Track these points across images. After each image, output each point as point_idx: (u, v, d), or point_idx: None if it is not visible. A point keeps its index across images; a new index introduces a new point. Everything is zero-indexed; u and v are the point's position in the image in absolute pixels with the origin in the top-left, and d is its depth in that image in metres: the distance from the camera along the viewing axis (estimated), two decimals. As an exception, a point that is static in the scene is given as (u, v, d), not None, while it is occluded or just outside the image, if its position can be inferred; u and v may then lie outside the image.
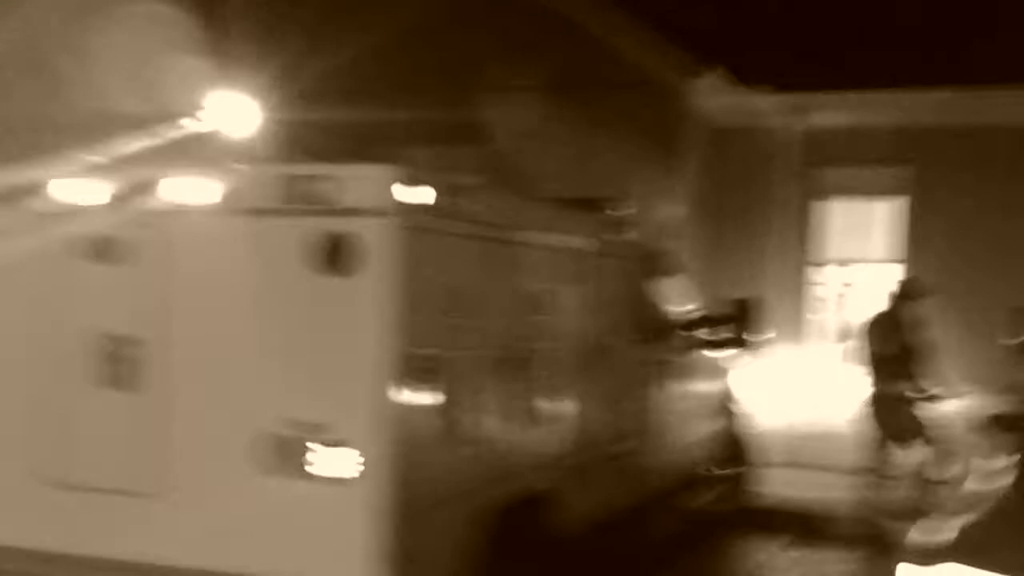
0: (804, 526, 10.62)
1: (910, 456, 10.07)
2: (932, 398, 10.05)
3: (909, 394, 10.00)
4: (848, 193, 13.65)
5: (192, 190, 5.35)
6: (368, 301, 5.02)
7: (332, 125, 13.33)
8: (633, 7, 12.91)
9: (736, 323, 9.46)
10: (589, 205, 7.85)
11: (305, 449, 5.10)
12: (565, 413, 6.81)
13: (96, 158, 6.34)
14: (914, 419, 9.99)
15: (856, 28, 13.33)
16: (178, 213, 5.36)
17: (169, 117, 13.18)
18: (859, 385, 10.37)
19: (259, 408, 5.20)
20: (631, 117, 12.89)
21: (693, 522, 9.86)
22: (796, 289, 13.74)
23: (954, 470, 9.78)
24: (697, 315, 9.50)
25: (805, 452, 13.58)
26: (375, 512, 5.01)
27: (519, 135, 13.27)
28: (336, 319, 5.09)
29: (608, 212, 7.73)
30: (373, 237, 4.99)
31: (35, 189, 5.65)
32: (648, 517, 8.36)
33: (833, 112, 13.37)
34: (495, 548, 5.84)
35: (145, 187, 5.45)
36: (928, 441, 9.99)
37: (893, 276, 12.43)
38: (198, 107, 13.55)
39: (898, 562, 4.72)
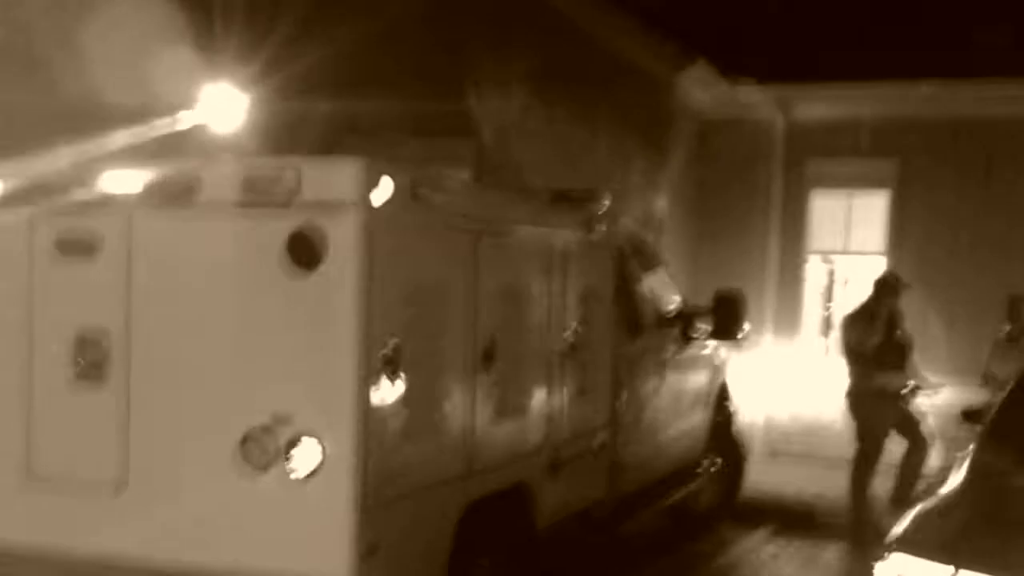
0: (789, 518, 10.67)
1: (892, 449, 10.11)
2: (913, 391, 10.09)
3: (890, 387, 10.03)
4: (832, 185, 13.68)
5: (159, 185, 5.35)
6: (332, 295, 5.01)
7: (321, 117, 13.35)
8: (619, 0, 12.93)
9: (716, 316, 9.44)
10: (565, 198, 7.87)
11: (272, 443, 5.09)
12: (538, 407, 6.79)
13: (73, 152, 6.31)
14: (896, 412, 10.03)
15: (840, 21, 13.35)
16: (145, 208, 5.35)
17: (158, 109, 13.18)
18: (842, 377, 10.42)
19: (227, 402, 5.20)
20: (617, 109, 12.89)
21: (678, 515, 9.91)
22: (780, 281, 13.77)
23: (932, 463, 9.83)
24: (677, 308, 9.50)
25: (791, 444, 13.64)
26: (341, 505, 5.00)
27: (506, 127, 13.28)
28: (301, 314, 5.08)
29: (584, 205, 7.71)
30: (336, 231, 4.97)
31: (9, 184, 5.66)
32: (630, 511, 8.36)
33: (817, 105, 13.42)
34: (466, 541, 5.84)
35: (114, 182, 5.46)
36: (909, 434, 10.03)
37: (876, 268, 12.48)
38: (187, 99, 13.55)
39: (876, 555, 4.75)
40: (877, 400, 10.01)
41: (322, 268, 5.00)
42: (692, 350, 9.61)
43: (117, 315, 5.35)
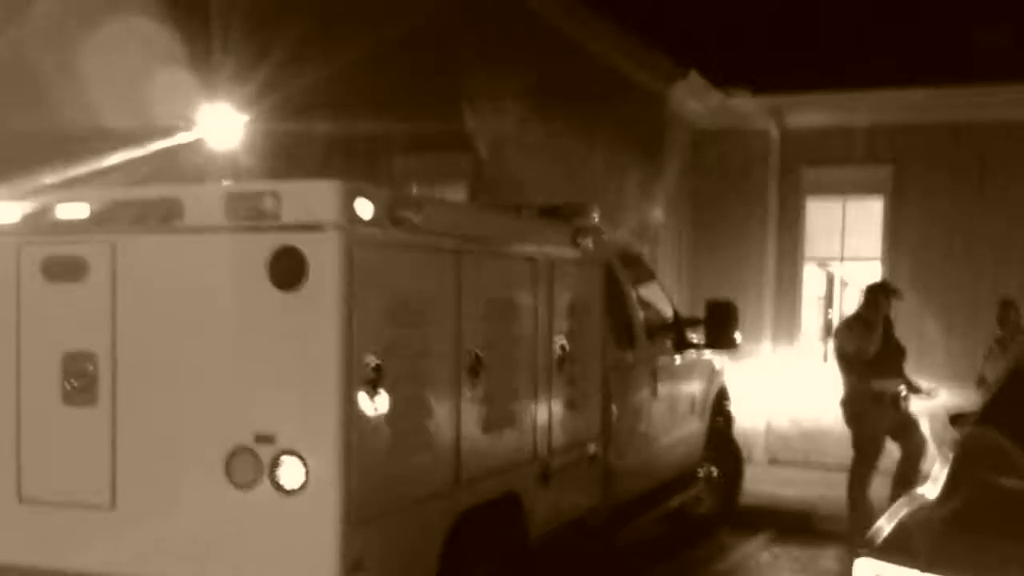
0: (787, 523, 10.73)
1: (887, 453, 10.17)
2: (907, 396, 10.15)
3: (887, 393, 10.09)
4: (827, 193, 13.73)
5: (143, 207, 5.46)
6: (313, 314, 5.12)
7: (318, 135, 13.48)
8: (612, 12, 13.02)
9: (709, 326, 9.53)
10: (553, 213, 7.97)
11: (257, 461, 5.19)
12: (527, 419, 6.88)
13: (57, 177, 6.44)
14: (892, 417, 10.09)
15: (831, 29, 13.42)
16: (129, 232, 5.46)
17: (156, 131, 13.33)
18: (838, 384, 10.48)
19: (212, 422, 5.30)
20: (612, 122, 12.98)
21: (676, 522, 9.98)
22: (778, 288, 13.82)
23: (926, 467, 9.88)
24: (669, 319, 9.59)
25: (790, 450, 13.70)
26: (325, 521, 5.09)
27: (502, 142, 13.40)
28: (283, 332, 5.18)
29: (571, 220, 7.81)
30: (316, 251, 5.08)
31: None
32: (625, 519, 8.44)
33: (810, 113, 13.46)
34: (457, 552, 5.93)
35: (98, 205, 5.57)
36: (905, 438, 10.08)
37: (873, 274, 12.54)
38: (185, 120, 13.69)
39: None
40: (874, 406, 10.07)
41: (303, 289, 5.10)
42: (685, 360, 9.70)
43: (103, 338, 5.46)
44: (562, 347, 7.32)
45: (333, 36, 13.26)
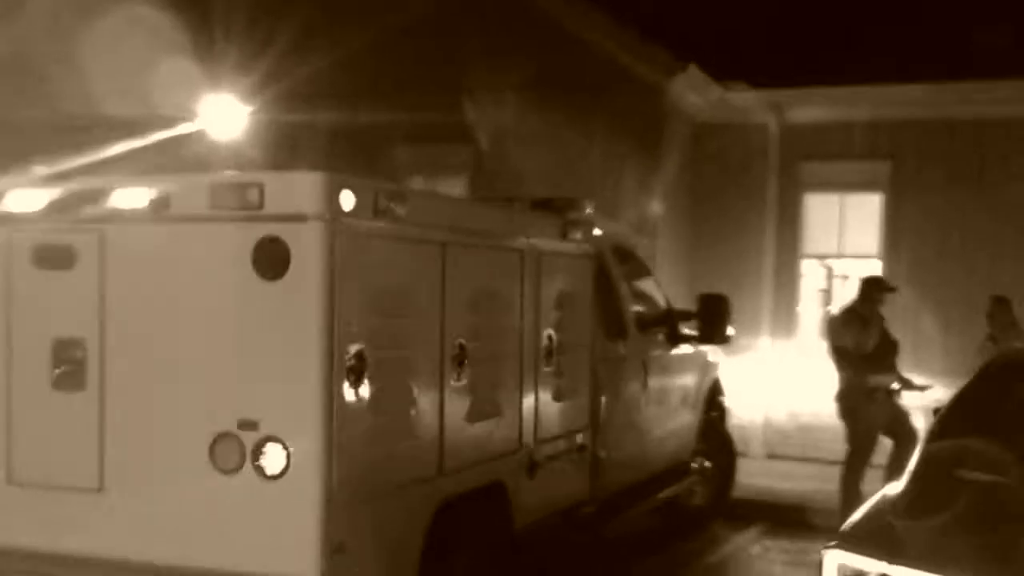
0: (781, 516, 10.79)
1: (880, 447, 10.23)
2: (901, 391, 10.22)
3: (881, 387, 10.16)
4: (826, 188, 13.79)
5: (131, 198, 5.55)
6: (296, 303, 5.21)
7: (320, 126, 13.57)
8: (613, 6, 13.08)
9: (701, 319, 9.59)
10: (545, 205, 8.04)
11: (241, 447, 5.28)
12: (513, 409, 6.96)
13: (51, 165, 6.52)
14: (886, 411, 10.15)
15: (831, 24, 13.46)
16: (117, 220, 5.56)
17: (159, 121, 13.42)
18: (833, 379, 10.54)
19: (197, 408, 5.40)
20: (611, 115, 13.07)
21: (669, 514, 10.05)
22: (776, 283, 13.88)
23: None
24: (662, 312, 9.65)
25: (788, 445, 13.77)
26: (307, 506, 5.19)
27: (502, 134, 13.47)
28: (267, 321, 5.28)
29: (562, 213, 7.88)
30: (299, 241, 5.17)
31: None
32: (615, 510, 8.51)
33: (810, 108, 13.52)
34: (440, 539, 6.01)
35: (87, 195, 5.67)
36: (898, 432, 10.13)
37: (871, 270, 12.59)
38: (188, 110, 13.79)
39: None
40: (869, 401, 10.14)
41: (286, 278, 5.19)
42: (678, 353, 9.75)
43: (92, 324, 5.56)
44: (550, 338, 7.39)
45: (335, 27, 13.34)
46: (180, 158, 13.22)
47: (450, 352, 6.17)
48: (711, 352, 10.54)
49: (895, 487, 5.42)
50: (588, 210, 8.19)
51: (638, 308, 9.16)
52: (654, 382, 9.13)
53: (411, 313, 5.84)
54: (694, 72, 13.04)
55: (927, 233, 13.21)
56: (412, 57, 13.52)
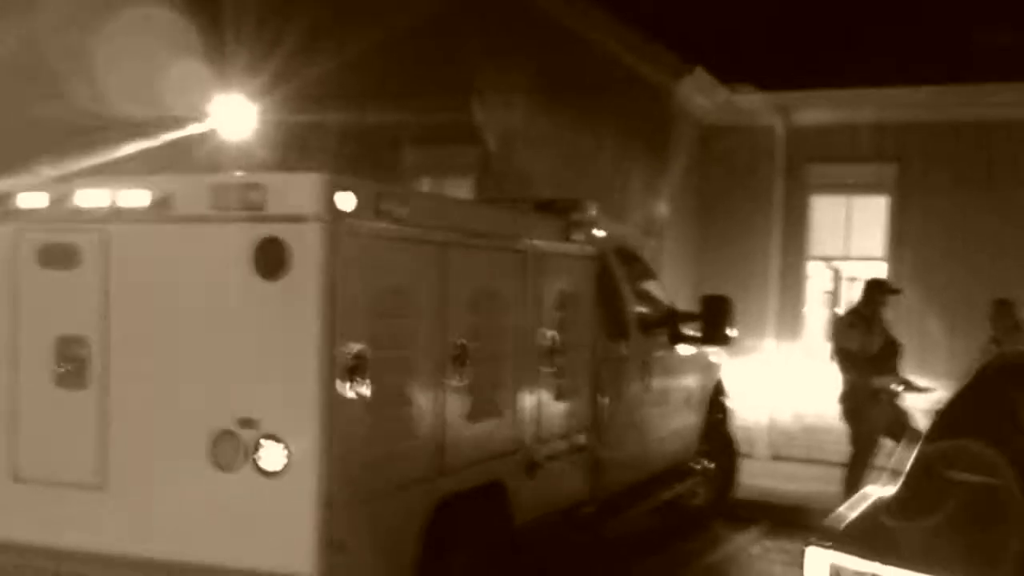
0: (783, 517, 10.82)
1: (887, 448, 10.26)
2: (904, 392, 10.26)
3: (885, 389, 10.21)
4: (832, 190, 13.82)
5: (134, 198, 5.64)
6: (295, 302, 5.28)
7: (328, 127, 13.65)
8: (620, 8, 13.13)
9: (704, 320, 9.63)
10: (548, 207, 8.11)
11: (241, 444, 5.36)
12: (513, 409, 7.02)
13: (61, 165, 6.62)
14: (889, 412, 10.19)
15: (838, 27, 13.49)
16: (121, 220, 5.64)
17: (169, 120, 13.52)
18: (837, 381, 10.59)
19: (198, 406, 5.47)
20: (618, 117, 13.11)
21: (670, 514, 10.10)
22: (783, 285, 13.91)
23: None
24: (664, 313, 9.69)
25: (793, 446, 13.80)
26: (306, 504, 5.26)
27: (509, 136, 13.54)
28: (267, 320, 5.35)
29: (565, 214, 7.94)
30: (298, 241, 5.25)
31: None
32: (616, 510, 8.56)
33: (816, 110, 13.55)
34: (439, 537, 6.07)
35: (91, 195, 5.75)
36: (901, 433, 10.17)
37: (876, 272, 12.61)
38: (198, 110, 13.89)
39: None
40: (873, 403, 10.19)
41: (286, 278, 5.27)
42: (681, 354, 9.80)
43: (95, 323, 5.64)
44: (551, 339, 7.44)
45: (344, 28, 13.41)
46: (190, 158, 13.33)
47: (450, 352, 6.24)
48: (715, 353, 10.59)
49: (877, 488, 5.47)
50: (591, 212, 8.25)
51: (640, 309, 9.20)
52: (656, 383, 9.18)
53: (411, 313, 5.91)
54: (701, 74, 13.08)
55: (933, 235, 13.23)
56: (420, 59, 13.59)
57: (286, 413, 5.30)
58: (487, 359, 6.62)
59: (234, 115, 13.99)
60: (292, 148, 13.72)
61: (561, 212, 7.97)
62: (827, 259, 14.00)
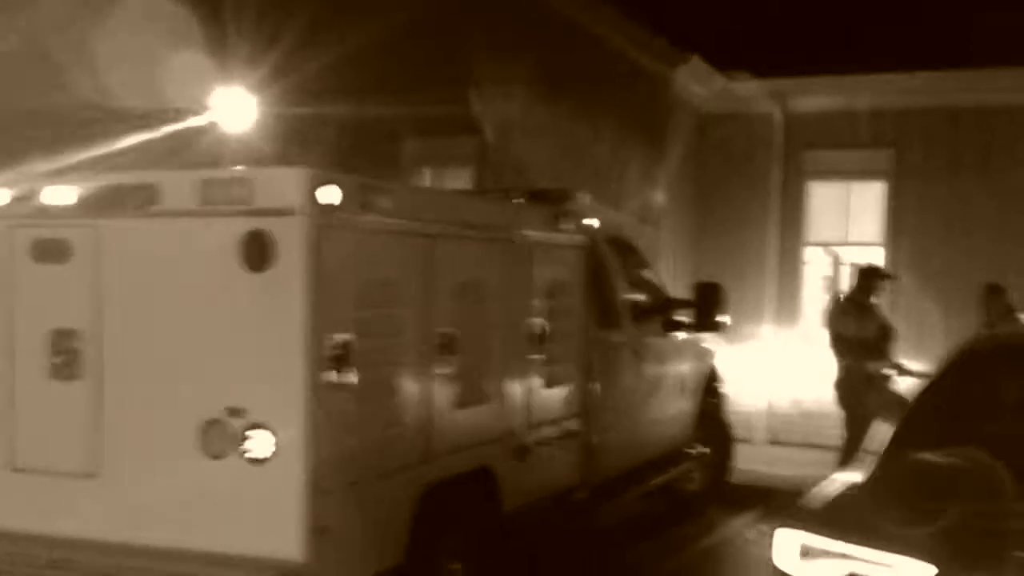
0: (778, 502, 10.88)
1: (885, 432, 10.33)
2: (899, 377, 10.34)
3: (880, 373, 10.29)
4: (829, 177, 13.88)
5: (124, 193, 5.76)
6: (281, 294, 5.40)
7: (328, 119, 13.75)
8: (614, -1, 13.21)
9: (697, 307, 9.71)
10: (540, 197, 8.21)
11: (228, 432, 5.49)
12: (501, 396, 7.14)
13: (61, 157, 6.75)
14: (883, 396, 10.26)
15: (834, 13, 13.52)
16: (111, 215, 5.77)
17: (170, 113, 13.64)
18: (832, 365, 10.67)
19: (188, 395, 5.61)
20: (616, 106, 13.18)
21: (664, 499, 10.20)
22: (780, 271, 13.98)
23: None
24: (657, 300, 9.78)
25: (791, 431, 13.88)
26: (292, 491, 5.39)
27: (507, 126, 13.63)
28: (254, 311, 5.48)
29: (555, 204, 8.04)
30: (284, 235, 5.37)
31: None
32: (608, 495, 8.65)
33: (813, 97, 13.59)
34: (427, 521, 6.20)
35: (83, 190, 5.87)
36: (894, 417, 10.24)
37: (873, 258, 12.68)
38: (199, 103, 14.00)
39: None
40: (868, 387, 10.27)
41: (272, 271, 5.39)
42: (674, 341, 9.89)
43: (87, 316, 5.78)
44: (540, 327, 7.55)
45: (344, 21, 13.49)
46: (191, 151, 13.44)
47: (437, 341, 6.35)
48: (710, 340, 10.67)
49: (849, 470, 5.55)
50: (582, 201, 8.35)
51: (633, 297, 9.29)
52: (648, 369, 9.28)
53: (398, 304, 6.02)
54: (697, 62, 13.14)
55: (930, 221, 13.28)
56: (419, 51, 13.67)
57: (273, 402, 5.43)
58: (475, 348, 6.74)
59: (234, 108, 14.10)
60: (292, 141, 13.81)
61: (552, 202, 8.08)
62: (825, 245, 14.06)
